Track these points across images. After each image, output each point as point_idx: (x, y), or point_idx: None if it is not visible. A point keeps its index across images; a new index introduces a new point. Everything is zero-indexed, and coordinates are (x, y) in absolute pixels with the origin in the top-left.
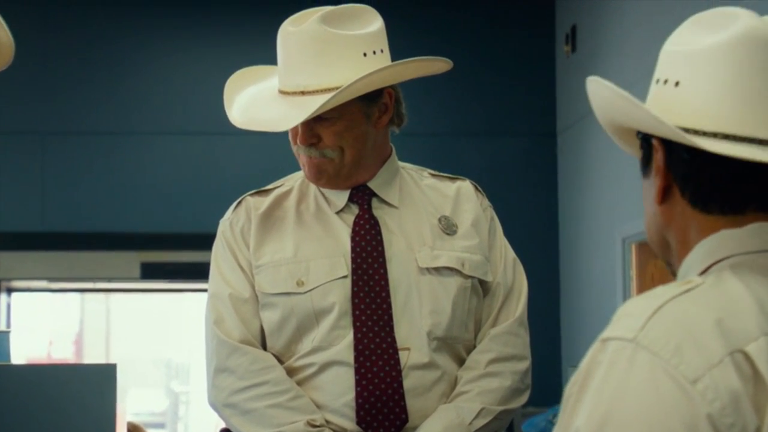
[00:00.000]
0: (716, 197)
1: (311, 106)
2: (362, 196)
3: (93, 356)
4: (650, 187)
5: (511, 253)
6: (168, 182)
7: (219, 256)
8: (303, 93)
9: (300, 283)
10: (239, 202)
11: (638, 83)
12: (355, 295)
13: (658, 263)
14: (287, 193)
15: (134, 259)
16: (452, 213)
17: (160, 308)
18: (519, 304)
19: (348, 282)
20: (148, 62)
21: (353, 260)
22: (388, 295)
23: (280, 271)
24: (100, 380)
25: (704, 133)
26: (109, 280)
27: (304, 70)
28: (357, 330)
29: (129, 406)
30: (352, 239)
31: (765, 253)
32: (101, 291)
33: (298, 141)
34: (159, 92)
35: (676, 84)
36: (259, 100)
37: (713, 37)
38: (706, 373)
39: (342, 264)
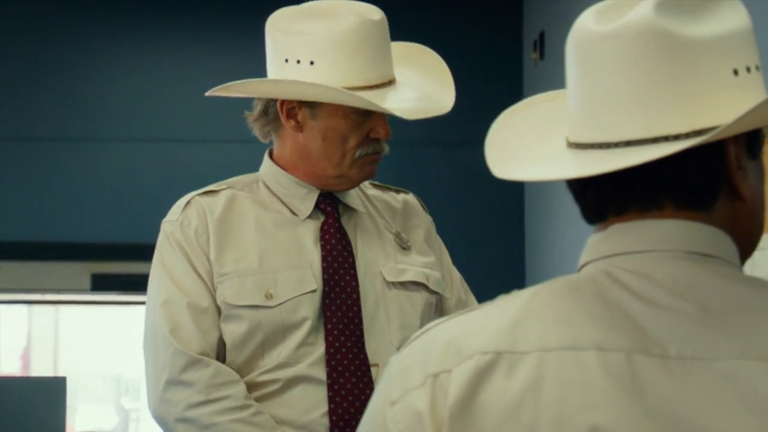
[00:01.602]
0: (582, 208)
1: (434, 93)
2: (331, 204)
3: (40, 371)
4: None
5: (457, 272)
6: (120, 190)
7: (168, 260)
8: (391, 82)
9: (269, 296)
10: (188, 202)
11: None
12: (326, 307)
13: None
14: (238, 197)
15: (84, 270)
16: (403, 228)
17: (111, 321)
18: None
19: (317, 296)
20: (101, 67)
21: (325, 271)
22: (359, 309)
23: (246, 282)
24: (49, 394)
25: (577, 145)
26: (58, 291)
27: (382, 61)
28: (329, 345)
29: (78, 424)
30: (323, 248)
31: (611, 258)
32: (50, 303)
33: (381, 136)
34: (111, 98)
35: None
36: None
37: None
38: (404, 396)
39: (310, 277)
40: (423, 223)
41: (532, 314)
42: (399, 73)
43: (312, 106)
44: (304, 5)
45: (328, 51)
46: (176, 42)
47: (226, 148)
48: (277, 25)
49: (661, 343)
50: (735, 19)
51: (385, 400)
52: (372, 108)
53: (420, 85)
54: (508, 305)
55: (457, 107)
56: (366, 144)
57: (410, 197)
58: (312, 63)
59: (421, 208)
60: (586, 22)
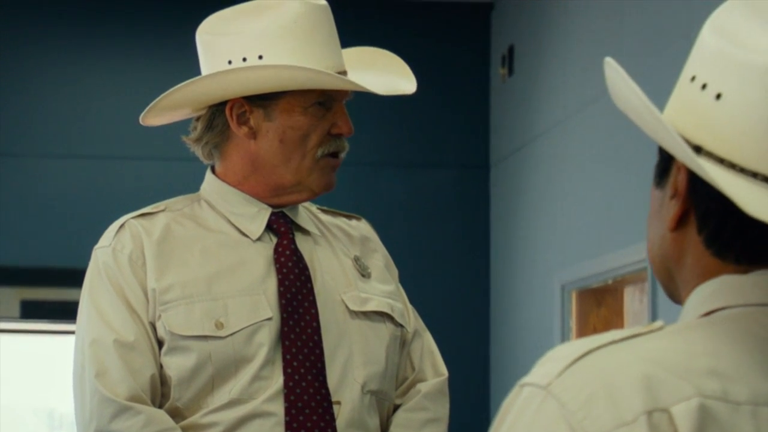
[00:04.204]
0: (737, 246)
1: (379, 82)
2: (284, 224)
3: None
4: (662, 201)
5: (409, 303)
6: (52, 210)
7: (98, 293)
8: (344, 72)
9: (219, 325)
10: (122, 226)
11: (582, 111)
12: (285, 336)
13: (601, 313)
14: (177, 219)
15: (13, 296)
16: (362, 254)
17: (42, 351)
18: (440, 359)
19: (274, 325)
20: (32, 78)
21: (282, 296)
22: (320, 340)
23: (194, 309)
24: None
25: (742, 170)
26: None
27: (336, 50)
28: (288, 378)
29: None
30: (279, 271)
31: (764, 307)
32: None
33: (343, 131)
34: (42, 111)
35: (718, 96)
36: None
37: None
38: (612, 431)
39: (264, 303)
40: (380, 249)
41: (723, 360)
42: (352, 74)
43: (265, 106)
44: (238, 6)
45: (278, 40)
46: (113, 52)
47: (167, 166)
48: (212, 29)
49: None
50: None
51: None
52: (346, 86)
53: (377, 75)
54: (685, 343)
55: (419, 127)
56: (327, 142)
57: (363, 223)
58: (261, 57)
59: (375, 235)
60: None
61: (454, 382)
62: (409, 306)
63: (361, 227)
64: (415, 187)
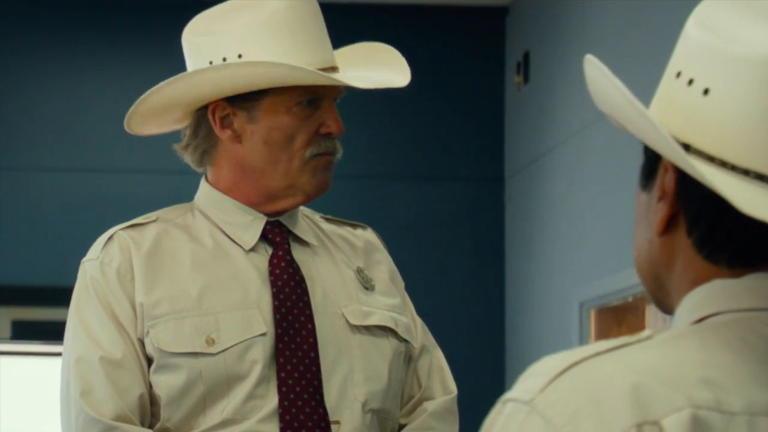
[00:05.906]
0: (729, 249)
1: (372, 78)
2: (280, 234)
3: None
4: (648, 205)
5: (417, 317)
6: (44, 227)
7: (84, 308)
8: (333, 69)
9: (210, 341)
10: (110, 238)
11: (601, 120)
12: (279, 353)
13: (622, 332)
14: (169, 229)
15: (4, 316)
16: (365, 265)
17: (35, 373)
18: (449, 376)
19: (268, 341)
20: (21, 89)
21: (277, 310)
22: (317, 357)
23: (183, 324)
24: None
25: (733, 167)
26: None
27: (323, 45)
28: (283, 397)
29: None
30: (274, 284)
31: (758, 312)
32: None
33: (332, 130)
34: (32, 123)
35: (705, 92)
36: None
37: (764, 38)
38: None
39: (258, 318)
40: (386, 260)
41: (716, 369)
42: (345, 71)
43: (248, 108)
44: (221, 5)
45: (258, 38)
46: (105, 64)
47: (161, 179)
48: (195, 30)
49: None
50: None
51: None
52: (321, 82)
53: (370, 71)
54: (676, 352)
55: (430, 138)
56: (316, 142)
57: (369, 232)
58: (240, 56)
59: (381, 245)
60: None
61: (468, 403)
62: (418, 320)
63: (367, 236)
64: (427, 201)
